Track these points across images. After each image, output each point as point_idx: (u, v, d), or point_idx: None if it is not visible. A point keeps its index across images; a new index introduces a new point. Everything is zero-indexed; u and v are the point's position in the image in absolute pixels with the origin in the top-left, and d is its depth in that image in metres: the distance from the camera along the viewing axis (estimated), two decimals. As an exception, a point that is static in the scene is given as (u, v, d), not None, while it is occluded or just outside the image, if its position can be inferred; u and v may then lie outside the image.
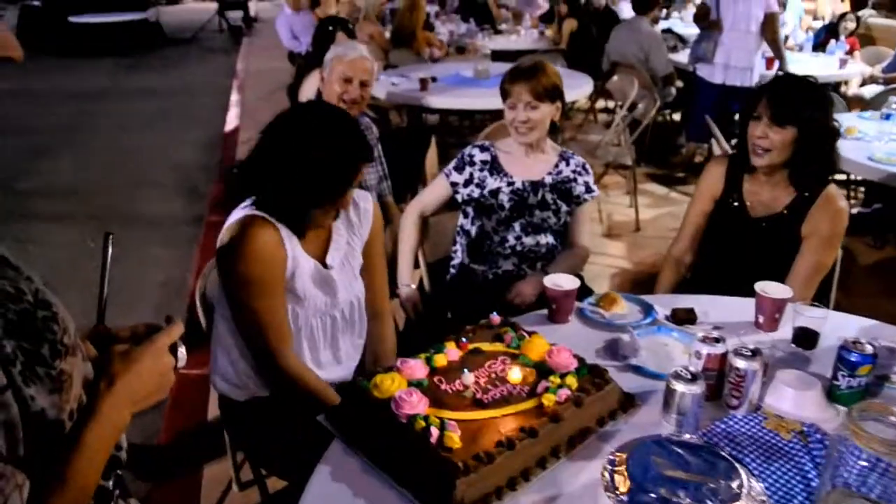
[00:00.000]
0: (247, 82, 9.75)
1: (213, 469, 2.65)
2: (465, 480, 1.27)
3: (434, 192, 2.66)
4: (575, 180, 2.58)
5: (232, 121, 7.84)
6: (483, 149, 2.63)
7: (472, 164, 2.60)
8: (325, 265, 1.88)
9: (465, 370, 1.53)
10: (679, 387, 1.46)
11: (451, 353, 1.62)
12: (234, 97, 8.94)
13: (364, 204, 2.00)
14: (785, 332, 1.94)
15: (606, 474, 1.24)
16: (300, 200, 1.75)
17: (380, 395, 1.45)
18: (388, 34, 7.16)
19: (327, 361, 1.96)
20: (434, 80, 5.27)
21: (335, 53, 2.90)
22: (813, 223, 2.28)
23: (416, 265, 2.69)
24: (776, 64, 6.15)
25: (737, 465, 1.25)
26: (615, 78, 5.98)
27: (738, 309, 2.07)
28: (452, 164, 2.63)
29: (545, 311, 2.02)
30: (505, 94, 2.50)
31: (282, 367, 1.81)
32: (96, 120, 8.05)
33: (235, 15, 14.55)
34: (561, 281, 1.97)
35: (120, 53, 11.89)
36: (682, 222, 2.58)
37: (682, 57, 6.69)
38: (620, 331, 1.90)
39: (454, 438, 1.34)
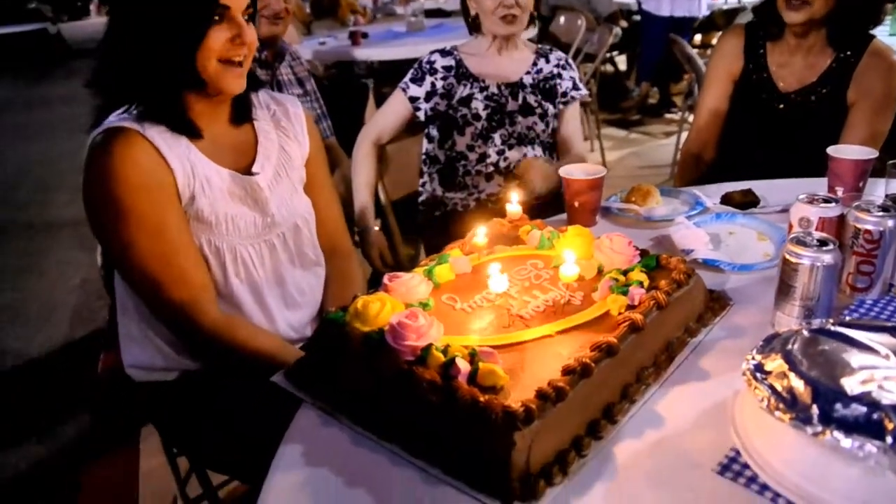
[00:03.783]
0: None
1: (150, 488, 2.10)
2: (528, 432, 0.77)
3: (390, 113, 2.13)
4: (559, 76, 2.10)
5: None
6: (445, 53, 2.12)
7: (434, 71, 2.09)
8: (249, 173, 1.37)
9: (493, 274, 1.02)
10: (805, 258, 0.99)
11: (458, 263, 1.11)
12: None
13: (293, 108, 1.50)
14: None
15: (761, 387, 0.75)
16: (154, 70, 1.23)
17: (365, 328, 0.94)
18: (307, 8, 6.65)
19: (275, 305, 1.42)
20: (365, 36, 4.80)
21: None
22: (861, 85, 1.85)
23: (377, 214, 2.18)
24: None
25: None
26: (561, 21, 5.58)
27: (795, 190, 1.62)
28: (409, 75, 2.12)
29: (559, 217, 1.53)
30: None
31: (203, 326, 1.27)
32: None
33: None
34: (581, 169, 1.48)
35: (22, 66, 11.13)
36: (695, 113, 2.12)
37: (623, -4, 6.34)
38: (669, 224, 1.43)
39: (497, 372, 0.84)
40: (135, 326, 1.37)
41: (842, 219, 1.14)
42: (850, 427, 0.67)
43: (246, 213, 1.34)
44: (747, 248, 1.35)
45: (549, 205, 1.84)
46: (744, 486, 0.78)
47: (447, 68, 2.09)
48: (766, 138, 1.97)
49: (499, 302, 1.02)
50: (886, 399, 0.68)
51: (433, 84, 2.08)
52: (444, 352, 0.87)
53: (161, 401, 1.42)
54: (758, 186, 1.64)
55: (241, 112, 1.38)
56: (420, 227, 2.22)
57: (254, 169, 1.36)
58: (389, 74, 5.24)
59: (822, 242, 1.00)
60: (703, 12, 5.65)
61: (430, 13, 5.97)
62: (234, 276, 1.33)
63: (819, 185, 1.56)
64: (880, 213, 1.09)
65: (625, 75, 6.80)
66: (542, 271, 1.11)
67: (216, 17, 1.22)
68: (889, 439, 0.65)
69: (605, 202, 1.57)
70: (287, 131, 1.46)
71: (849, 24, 1.84)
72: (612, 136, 5.50)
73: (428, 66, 2.10)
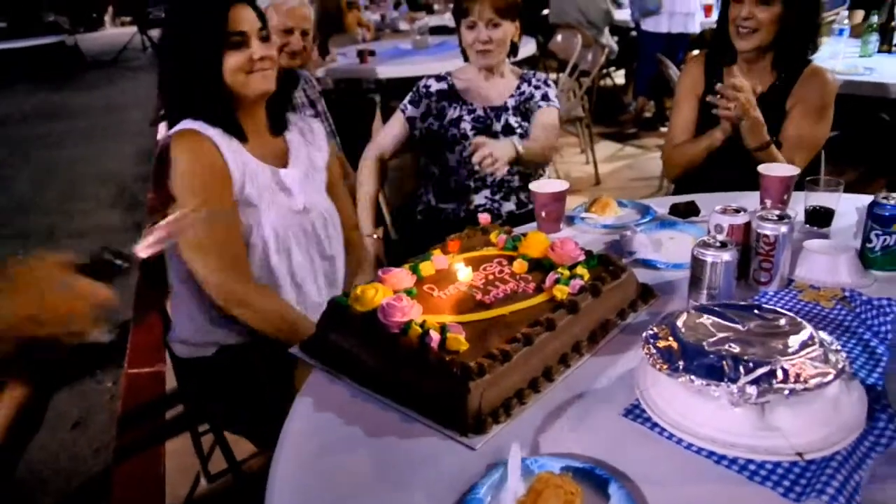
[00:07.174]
0: (177, 92, 9.31)
1: (175, 465, 2.37)
2: (481, 383, 1.04)
3: (391, 131, 2.42)
4: (532, 96, 2.37)
5: (164, 127, 7.45)
6: (439, 79, 2.40)
7: (429, 95, 2.37)
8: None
9: (461, 269, 1.30)
10: (709, 256, 1.26)
11: (438, 260, 1.39)
12: (165, 106, 8.53)
13: (316, 126, 1.89)
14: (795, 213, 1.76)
15: (651, 348, 1.02)
16: (197, 77, 1.57)
17: (362, 308, 1.21)
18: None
19: (309, 286, 1.72)
20: (372, 53, 5.07)
21: (270, 2, 2.63)
22: (797, 95, 2.12)
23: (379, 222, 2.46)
24: (714, 10, 6.14)
25: (798, 318, 1.05)
26: (558, 38, 5.84)
27: (737, 201, 1.88)
28: (408, 97, 2.40)
29: (532, 225, 1.80)
30: (463, 13, 2.26)
31: (242, 285, 1.58)
32: (19, 143, 7.60)
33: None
34: (548, 184, 1.75)
35: (40, 79, 11.38)
36: (668, 129, 2.39)
37: (621, 15, 6.59)
38: (621, 231, 1.70)
39: (460, 340, 1.11)
40: (184, 305, 1.66)
41: (748, 226, 1.40)
42: (703, 374, 0.94)
43: (283, 200, 1.66)
44: (682, 250, 1.61)
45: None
46: (640, 424, 1.04)
47: (440, 92, 2.37)
48: (723, 156, 2.23)
49: (466, 290, 1.29)
50: (729, 354, 0.95)
51: (428, 106, 2.36)
52: (422, 326, 1.14)
53: (199, 374, 1.70)
54: (704, 199, 1.90)
55: (278, 125, 1.75)
56: (416, 235, 2.48)
57: (288, 167, 1.71)
58: (396, 89, 5.53)
59: (723, 244, 1.27)
60: (697, 29, 5.90)
61: (435, 30, 6.25)
62: (275, 255, 1.63)
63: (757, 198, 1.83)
64: (776, 221, 1.36)
65: (622, 90, 7.06)
66: (504, 267, 1.38)
67: (232, 42, 1.53)
68: (725, 380, 0.92)
69: (571, 212, 1.84)
70: (311, 141, 1.83)
71: (791, 49, 2.11)
72: (607, 148, 5.71)
73: (424, 90, 2.38)
